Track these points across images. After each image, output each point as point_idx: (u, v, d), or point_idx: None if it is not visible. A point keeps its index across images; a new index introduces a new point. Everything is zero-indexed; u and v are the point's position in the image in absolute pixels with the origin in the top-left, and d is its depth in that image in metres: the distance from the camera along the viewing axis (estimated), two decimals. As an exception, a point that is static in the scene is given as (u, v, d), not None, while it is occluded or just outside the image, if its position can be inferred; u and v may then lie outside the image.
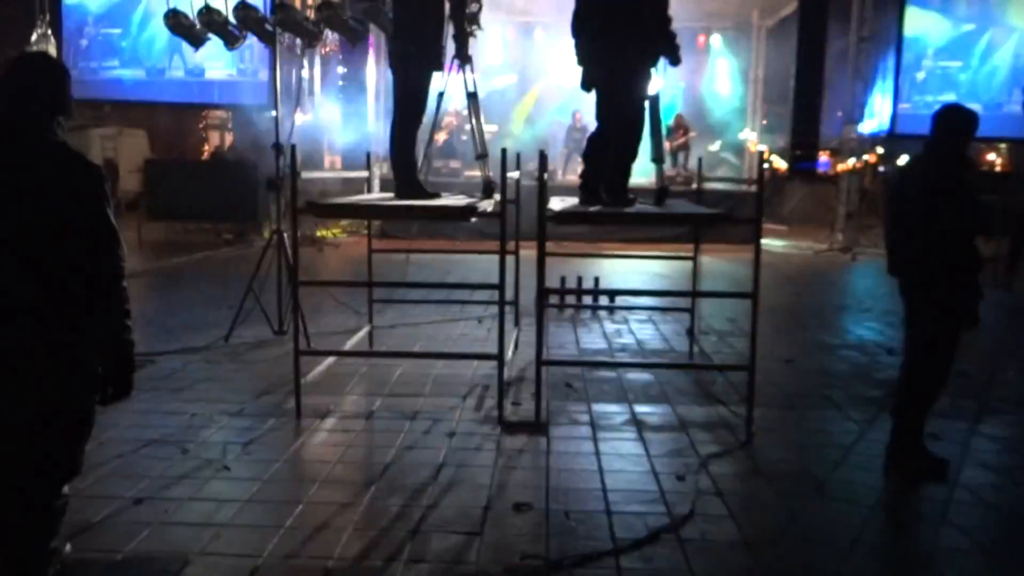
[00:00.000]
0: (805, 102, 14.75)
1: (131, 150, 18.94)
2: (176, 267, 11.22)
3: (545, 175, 4.95)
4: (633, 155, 5.65)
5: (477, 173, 6.18)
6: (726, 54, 19.17)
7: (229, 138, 23.91)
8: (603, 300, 8.26)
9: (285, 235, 6.50)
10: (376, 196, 6.36)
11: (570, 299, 8.17)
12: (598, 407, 5.16)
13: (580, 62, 5.49)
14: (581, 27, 5.48)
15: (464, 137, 15.43)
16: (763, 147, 17.21)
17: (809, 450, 4.58)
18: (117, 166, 17.51)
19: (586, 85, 5.45)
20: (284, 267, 6.60)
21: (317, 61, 13.62)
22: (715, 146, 18.67)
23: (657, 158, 5.78)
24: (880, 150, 16.95)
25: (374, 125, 15.32)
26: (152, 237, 13.57)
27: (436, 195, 5.95)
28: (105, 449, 4.20)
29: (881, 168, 17.19)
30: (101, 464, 4.00)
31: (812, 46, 14.66)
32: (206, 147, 22.85)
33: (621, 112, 5.48)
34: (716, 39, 19.09)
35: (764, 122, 19.45)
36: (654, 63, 5.51)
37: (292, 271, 5.56)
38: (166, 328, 7.03)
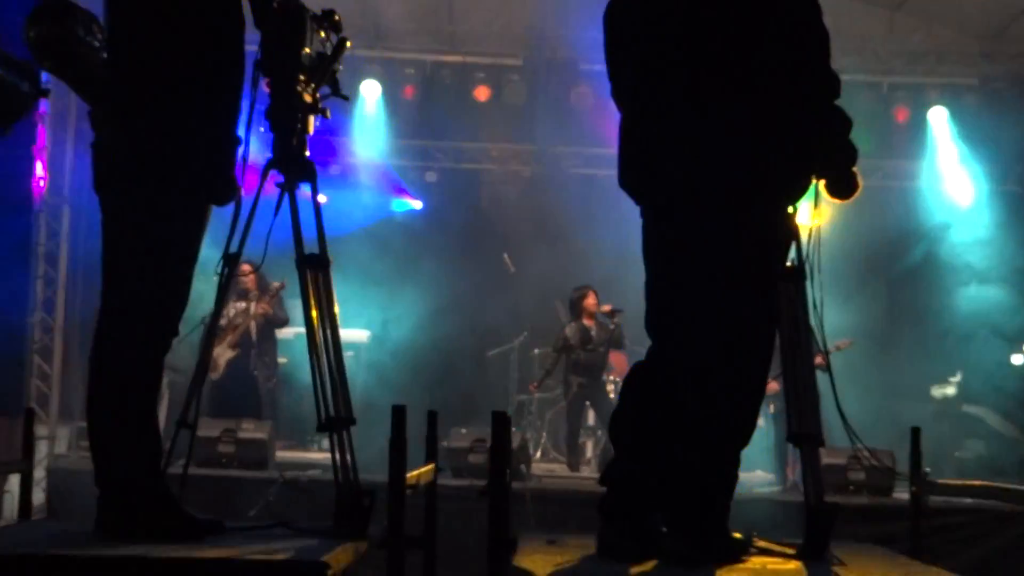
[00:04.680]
0: None
1: None
2: None
3: (509, 472, 2.64)
4: (748, 430, 2.37)
5: (321, 456, 3.71)
6: (960, 143, 9.29)
7: None
8: None
9: None
10: (50, 528, 3.01)
11: None
12: None
13: (623, 180, 2.65)
14: (619, 97, 2.73)
15: (283, 359, 7.21)
16: None
17: None
18: None
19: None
20: None
21: None
22: (951, 384, 9.19)
23: (807, 431, 2.42)
24: None
25: (48, 313, 7.61)
26: None
27: (215, 526, 2.54)
28: None
29: None
30: None
31: None
32: None
33: (719, 312, 2.20)
34: (938, 113, 9.30)
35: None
36: (800, 188, 2.32)
37: None
38: None
